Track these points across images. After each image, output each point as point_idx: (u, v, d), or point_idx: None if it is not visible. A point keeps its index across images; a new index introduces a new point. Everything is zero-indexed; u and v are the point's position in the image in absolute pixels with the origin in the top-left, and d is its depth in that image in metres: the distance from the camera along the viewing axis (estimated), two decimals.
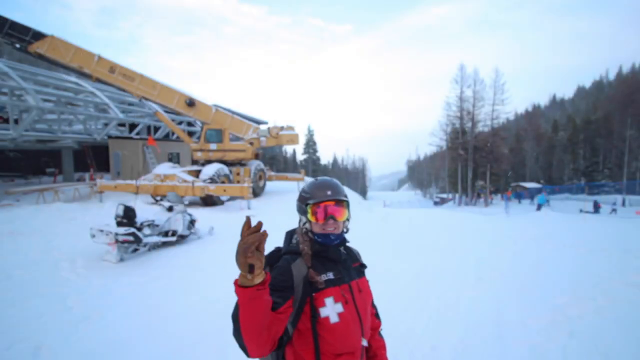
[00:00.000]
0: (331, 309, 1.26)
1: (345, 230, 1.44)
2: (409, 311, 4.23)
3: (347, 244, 1.48)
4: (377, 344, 1.52)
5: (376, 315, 1.57)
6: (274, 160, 57.17)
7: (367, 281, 1.48)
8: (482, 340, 3.51)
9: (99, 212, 10.68)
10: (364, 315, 1.36)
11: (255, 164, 16.60)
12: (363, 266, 1.51)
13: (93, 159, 23.11)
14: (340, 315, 1.27)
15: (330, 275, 1.32)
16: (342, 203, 1.38)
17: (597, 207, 22.66)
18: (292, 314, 1.23)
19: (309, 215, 1.36)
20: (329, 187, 1.38)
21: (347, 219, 1.42)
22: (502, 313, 4.17)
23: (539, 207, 20.17)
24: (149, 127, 22.67)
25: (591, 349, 3.27)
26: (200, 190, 12.16)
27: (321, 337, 1.25)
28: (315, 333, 1.24)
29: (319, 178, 1.44)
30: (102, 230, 6.13)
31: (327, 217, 1.35)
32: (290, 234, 1.46)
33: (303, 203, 1.39)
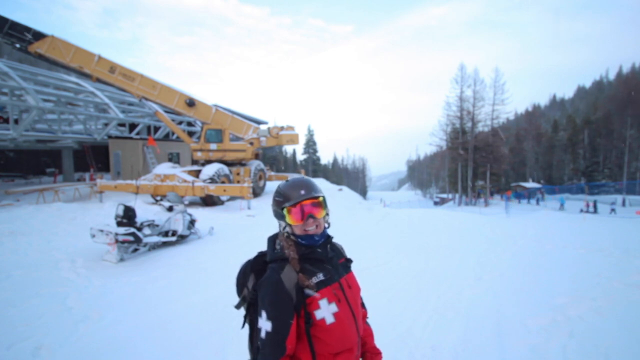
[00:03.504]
0: (326, 310, 1.26)
1: (326, 225, 1.43)
2: (409, 311, 4.22)
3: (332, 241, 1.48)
4: (365, 332, 1.55)
5: (362, 305, 1.59)
6: (274, 160, 57.15)
7: (354, 275, 1.49)
8: (482, 340, 3.51)
9: (99, 212, 10.68)
10: (357, 311, 1.37)
11: (255, 164, 16.60)
12: (349, 261, 1.51)
13: (93, 159, 23.11)
14: (335, 315, 1.27)
15: (321, 276, 1.31)
16: (318, 200, 1.37)
17: (589, 207, 23.01)
18: None
19: (288, 219, 1.34)
20: (302, 186, 1.36)
21: (327, 214, 1.41)
22: (502, 313, 4.17)
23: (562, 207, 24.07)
24: (149, 127, 22.67)
25: (591, 349, 3.26)
26: (200, 190, 12.16)
27: (318, 339, 1.25)
28: (309, 337, 1.24)
29: (289, 179, 1.42)
30: (102, 230, 6.13)
31: (306, 217, 1.33)
32: (272, 240, 1.43)
33: (279, 207, 1.37)
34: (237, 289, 1.44)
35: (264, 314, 1.23)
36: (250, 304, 1.38)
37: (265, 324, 1.21)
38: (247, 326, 1.45)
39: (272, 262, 1.33)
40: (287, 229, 1.37)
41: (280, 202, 1.36)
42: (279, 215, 1.39)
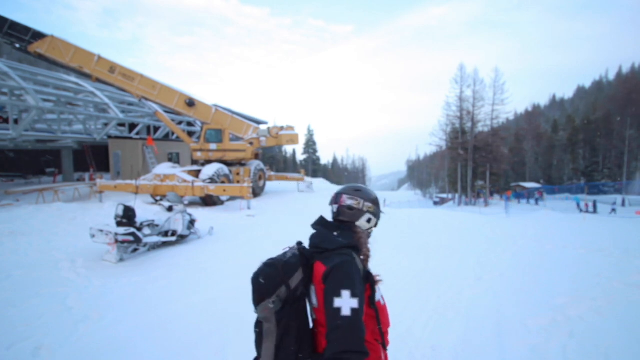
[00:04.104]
0: (379, 293, 1.48)
1: None
2: (408, 311, 4.22)
3: None
4: None
5: None
6: (274, 160, 57.13)
7: None
8: (482, 340, 3.51)
9: (99, 212, 10.67)
10: None
11: (255, 164, 16.60)
12: None
13: (93, 159, 23.11)
14: (383, 297, 1.53)
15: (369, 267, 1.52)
16: None
17: (588, 207, 22.97)
18: None
19: (376, 222, 1.60)
20: None
21: None
22: (502, 313, 4.17)
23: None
24: (149, 127, 22.65)
25: (591, 349, 3.27)
26: (200, 190, 12.16)
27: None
28: (378, 316, 1.44)
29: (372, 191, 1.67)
30: (102, 230, 6.12)
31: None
32: (339, 229, 1.49)
33: (379, 210, 1.62)
34: (270, 287, 1.34)
35: (346, 293, 1.26)
36: (292, 302, 1.35)
37: (349, 302, 1.25)
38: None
39: (340, 249, 1.39)
40: (372, 229, 1.60)
41: (378, 208, 1.62)
42: (378, 217, 1.62)
